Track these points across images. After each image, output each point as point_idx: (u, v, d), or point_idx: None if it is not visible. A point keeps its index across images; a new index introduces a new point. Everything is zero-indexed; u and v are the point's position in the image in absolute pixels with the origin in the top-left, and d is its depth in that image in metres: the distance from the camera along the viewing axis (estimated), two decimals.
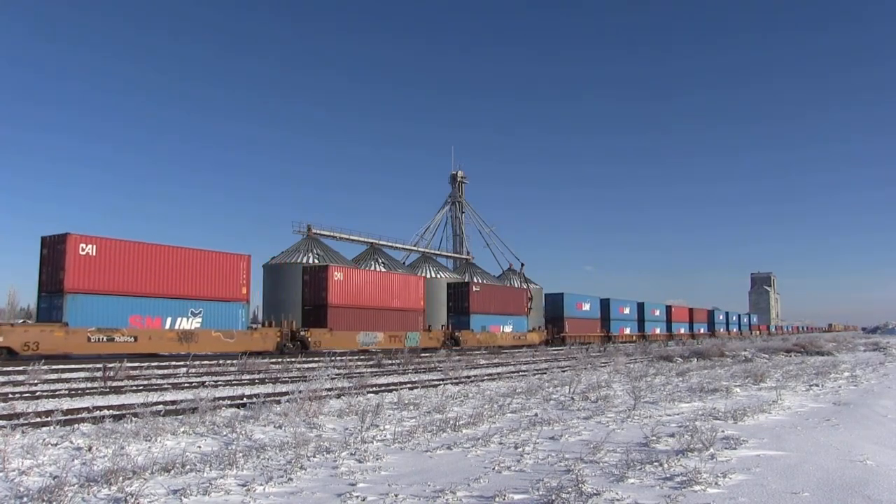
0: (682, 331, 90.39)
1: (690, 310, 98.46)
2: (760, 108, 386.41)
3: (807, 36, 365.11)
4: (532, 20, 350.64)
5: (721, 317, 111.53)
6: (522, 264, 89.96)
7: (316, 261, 54.40)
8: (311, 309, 38.02)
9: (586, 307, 66.74)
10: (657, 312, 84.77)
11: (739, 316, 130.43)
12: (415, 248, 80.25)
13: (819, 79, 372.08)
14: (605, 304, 71.30)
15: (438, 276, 65.69)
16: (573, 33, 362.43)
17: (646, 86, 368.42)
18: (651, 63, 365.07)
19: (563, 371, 24.52)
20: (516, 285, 77.46)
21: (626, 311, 76.93)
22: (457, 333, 46.37)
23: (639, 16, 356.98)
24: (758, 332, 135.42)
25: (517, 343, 52.65)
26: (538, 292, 72.44)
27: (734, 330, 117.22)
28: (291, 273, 50.15)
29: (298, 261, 54.09)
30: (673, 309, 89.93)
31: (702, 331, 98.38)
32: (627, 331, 75.43)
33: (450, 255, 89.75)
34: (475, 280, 62.95)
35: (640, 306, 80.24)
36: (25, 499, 6.29)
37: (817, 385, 18.53)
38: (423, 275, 62.22)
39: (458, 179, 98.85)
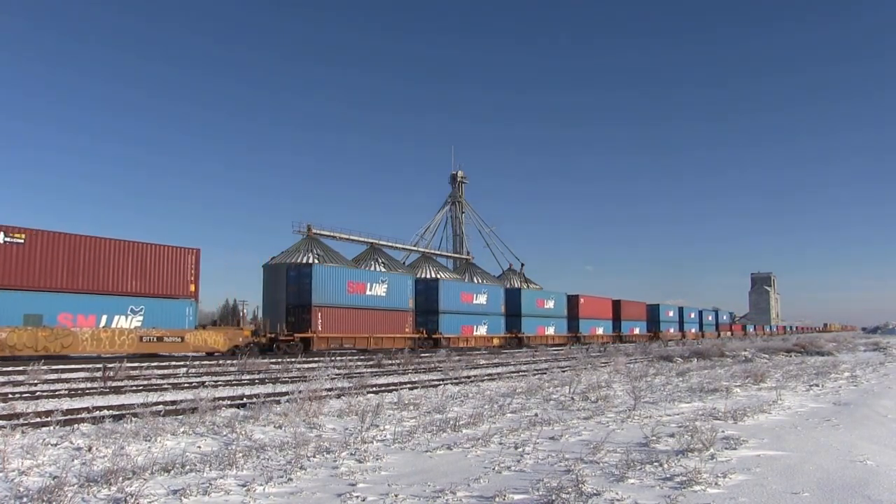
0: (601, 331, 66.06)
1: (616, 302, 71.74)
2: (758, 102, 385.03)
3: (808, 28, 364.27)
4: (531, 15, 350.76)
5: (670, 313, 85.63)
6: (522, 264, 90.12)
7: (316, 261, 54.41)
8: None
9: (376, 291, 39.51)
10: (549, 304, 57.51)
11: (702, 313, 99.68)
12: (415, 249, 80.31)
13: (818, 73, 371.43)
14: (428, 289, 44.76)
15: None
16: (572, 26, 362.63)
17: (645, 79, 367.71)
18: (651, 55, 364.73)
19: (564, 371, 24.52)
20: (516, 285, 76.87)
21: (482, 300, 49.27)
22: None
23: (640, 8, 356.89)
24: (729, 334, 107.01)
25: (105, 350, 26.46)
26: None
27: (692, 330, 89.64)
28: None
29: (298, 261, 54.17)
30: (581, 301, 63.15)
31: (636, 331, 73.89)
32: (483, 330, 48.83)
33: (450, 255, 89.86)
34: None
35: (514, 295, 54.58)
36: (25, 499, 6.29)
37: (817, 385, 18.53)
38: (423, 275, 61.95)
39: (458, 179, 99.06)
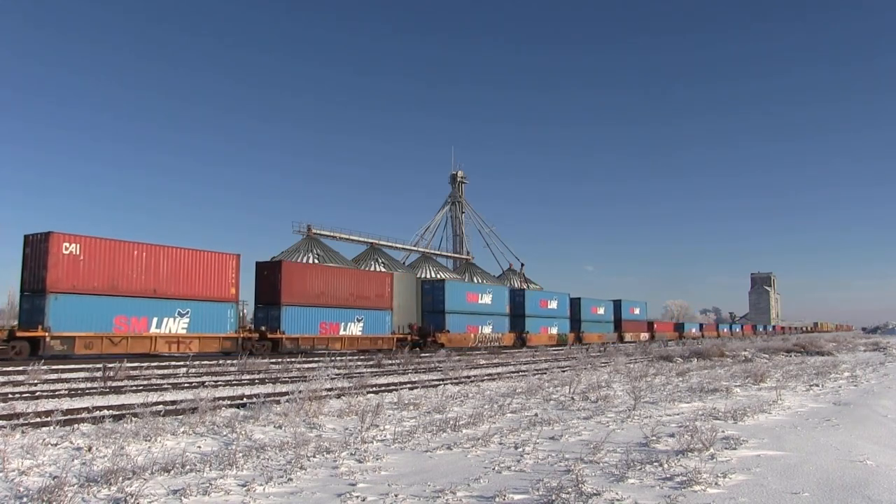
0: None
1: (336, 271, 39.27)
2: (758, 101, 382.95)
3: (809, 27, 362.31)
4: (532, 15, 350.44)
5: (487, 298, 47.85)
6: (522, 264, 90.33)
7: (316, 261, 54.44)
8: None
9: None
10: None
11: (579, 302, 61.21)
12: (415, 249, 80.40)
13: (818, 72, 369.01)
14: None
15: (441, 274, 65.30)
16: (572, 26, 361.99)
17: (645, 79, 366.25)
18: (651, 55, 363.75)
19: (564, 371, 24.53)
20: (516, 285, 76.80)
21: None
22: None
23: (640, 8, 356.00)
24: (646, 335, 73.27)
25: None
26: None
27: (553, 330, 55.02)
28: None
29: (298, 261, 54.21)
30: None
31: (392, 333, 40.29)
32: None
33: (450, 255, 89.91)
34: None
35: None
36: (25, 499, 6.29)
37: (817, 385, 18.54)
38: (423, 275, 61.88)
39: (458, 179, 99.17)
